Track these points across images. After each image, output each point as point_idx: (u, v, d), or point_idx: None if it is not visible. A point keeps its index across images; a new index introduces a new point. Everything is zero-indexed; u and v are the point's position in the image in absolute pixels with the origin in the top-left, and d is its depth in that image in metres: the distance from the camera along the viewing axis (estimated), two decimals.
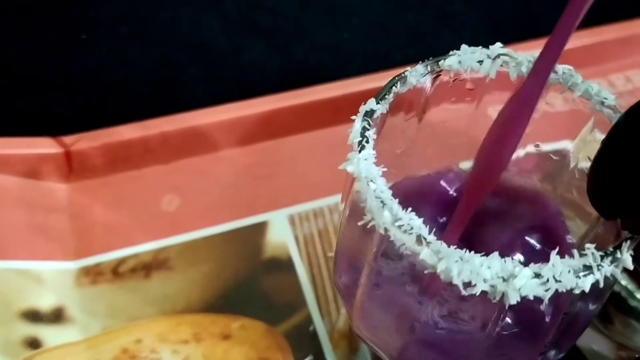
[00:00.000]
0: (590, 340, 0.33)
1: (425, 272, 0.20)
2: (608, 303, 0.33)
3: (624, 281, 0.34)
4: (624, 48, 0.45)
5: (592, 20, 0.44)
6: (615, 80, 0.45)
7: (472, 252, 0.19)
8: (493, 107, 0.27)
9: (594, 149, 0.21)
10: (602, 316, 0.33)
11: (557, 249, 0.19)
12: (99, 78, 0.45)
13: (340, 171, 0.23)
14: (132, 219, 0.37)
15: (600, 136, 0.24)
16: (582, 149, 0.26)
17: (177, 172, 0.39)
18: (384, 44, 0.48)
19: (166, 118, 0.39)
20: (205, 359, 0.32)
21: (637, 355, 0.33)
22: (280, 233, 0.37)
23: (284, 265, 0.36)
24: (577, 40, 0.45)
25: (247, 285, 0.35)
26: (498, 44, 0.24)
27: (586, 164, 0.25)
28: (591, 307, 0.23)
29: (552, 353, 0.24)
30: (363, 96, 0.24)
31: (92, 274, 0.35)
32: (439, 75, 0.25)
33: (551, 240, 0.24)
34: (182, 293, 0.35)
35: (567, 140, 0.27)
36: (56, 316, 0.33)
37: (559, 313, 0.21)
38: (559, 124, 0.26)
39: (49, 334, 0.33)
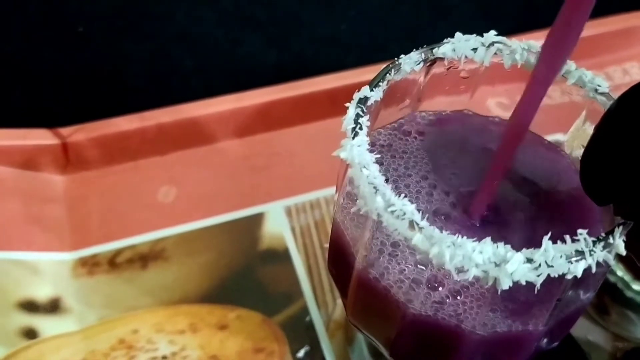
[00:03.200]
0: (587, 331, 0.33)
1: (418, 257, 0.20)
2: (604, 294, 0.34)
3: (620, 272, 0.34)
4: (621, 40, 0.45)
5: (590, 12, 0.45)
6: (612, 73, 0.45)
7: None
8: (487, 98, 0.28)
9: (588, 136, 0.22)
10: (598, 307, 0.33)
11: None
12: (96, 70, 0.45)
13: (337, 162, 0.23)
14: (128, 210, 0.37)
15: (594, 124, 0.24)
16: (576, 137, 0.26)
17: (173, 163, 0.39)
18: (381, 36, 0.48)
19: (163, 110, 0.39)
20: (201, 349, 0.32)
21: (633, 346, 0.33)
22: (277, 224, 0.37)
23: (281, 256, 0.36)
24: None
25: (244, 276, 0.35)
26: (492, 32, 0.24)
27: (581, 152, 0.25)
28: (584, 295, 0.23)
29: (544, 341, 0.24)
30: (359, 87, 0.24)
31: (88, 265, 0.35)
32: (434, 63, 0.25)
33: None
34: (178, 284, 0.35)
35: (561, 134, 0.27)
36: (53, 306, 0.34)
37: (551, 299, 0.21)
38: (555, 116, 0.26)
39: (46, 324, 0.33)
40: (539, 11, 0.49)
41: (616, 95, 0.21)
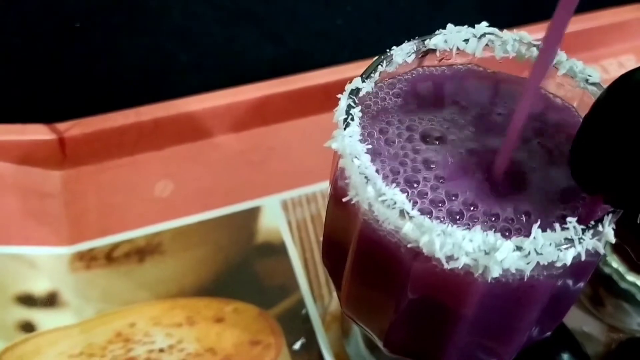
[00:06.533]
0: (582, 322, 0.33)
1: (409, 245, 0.20)
2: (599, 285, 0.34)
3: (615, 263, 0.34)
4: (617, 33, 0.45)
5: (586, 5, 0.45)
6: (608, 66, 0.45)
7: None
8: None
9: None
10: (593, 298, 0.34)
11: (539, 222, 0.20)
12: (93, 66, 0.45)
13: (332, 156, 0.23)
14: (125, 205, 0.37)
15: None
16: None
17: (170, 158, 0.39)
18: (376, 31, 0.48)
19: (159, 105, 0.39)
20: (198, 342, 0.33)
21: (628, 337, 0.33)
22: (273, 218, 0.37)
23: (277, 249, 0.36)
24: (570, 25, 0.45)
25: (240, 269, 0.35)
26: (484, 23, 0.25)
27: None
28: (574, 284, 0.23)
29: (536, 330, 0.24)
30: None
31: (86, 259, 0.35)
32: (426, 54, 0.25)
33: None
34: (175, 277, 0.35)
35: None
36: (50, 300, 0.34)
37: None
38: None
39: (44, 318, 0.33)
40: (535, 5, 0.49)
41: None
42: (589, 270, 0.23)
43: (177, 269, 0.35)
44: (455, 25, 0.25)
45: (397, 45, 0.25)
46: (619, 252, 0.34)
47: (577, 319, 0.33)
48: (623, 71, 0.48)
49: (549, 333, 0.25)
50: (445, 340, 0.23)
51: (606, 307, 0.34)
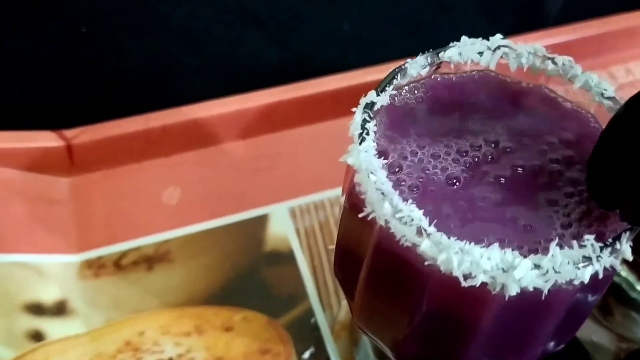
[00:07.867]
0: (591, 332, 0.33)
1: (426, 262, 0.20)
2: (608, 295, 0.34)
3: (624, 273, 0.34)
4: (624, 40, 0.45)
5: (593, 11, 0.45)
6: (615, 72, 0.45)
7: None
8: None
9: None
10: (602, 308, 0.34)
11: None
12: (98, 71, 0.45)
13: (341, 163, 0.23)
14: (133, 212, 0.37)
15: None
16: None
17: (178, 165, 0.39)
18: (382, 34, 0.48)
19: (167, 111, 0.39)
20: (207, 351, 0.32)
21: (637, 347, 0.33)
22: (282, 225, 0.37)
23: (285, 257, 0.36)
24: (578, 31, 0.45)
25: (249, 277, 0.35)
26: (498, 36, 0.24)
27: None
28: (590, 298, 0.23)
29: (551, 344, 0.24)
30: (363, 88, 0.24)
31: (94, 267, 0.35)
32: (439, 67, 0.25)
33: None
34: (184, 285, 0.35)
35: None
36: (59, 309, 0.34)
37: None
38: None
39: (52, 327, 0.33)
40: (539, 7, 0.49)
41: (621, 96, 0.21)
42: (604, 285, 0.23)
43: (185, 277, 0.35)
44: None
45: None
46: (628, 262, 0.34)
47: (586, 329, 0.33)
48: (631, 77, 0.48)
49: (562, 346, 0.25)
50: (459, 354, 0.23)
51: (615, 317, 0.33)
